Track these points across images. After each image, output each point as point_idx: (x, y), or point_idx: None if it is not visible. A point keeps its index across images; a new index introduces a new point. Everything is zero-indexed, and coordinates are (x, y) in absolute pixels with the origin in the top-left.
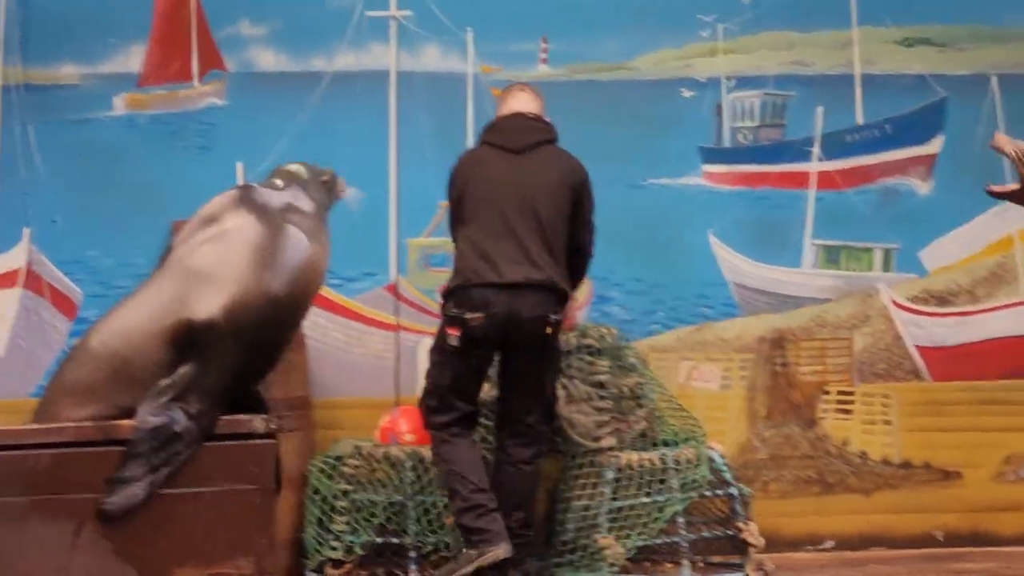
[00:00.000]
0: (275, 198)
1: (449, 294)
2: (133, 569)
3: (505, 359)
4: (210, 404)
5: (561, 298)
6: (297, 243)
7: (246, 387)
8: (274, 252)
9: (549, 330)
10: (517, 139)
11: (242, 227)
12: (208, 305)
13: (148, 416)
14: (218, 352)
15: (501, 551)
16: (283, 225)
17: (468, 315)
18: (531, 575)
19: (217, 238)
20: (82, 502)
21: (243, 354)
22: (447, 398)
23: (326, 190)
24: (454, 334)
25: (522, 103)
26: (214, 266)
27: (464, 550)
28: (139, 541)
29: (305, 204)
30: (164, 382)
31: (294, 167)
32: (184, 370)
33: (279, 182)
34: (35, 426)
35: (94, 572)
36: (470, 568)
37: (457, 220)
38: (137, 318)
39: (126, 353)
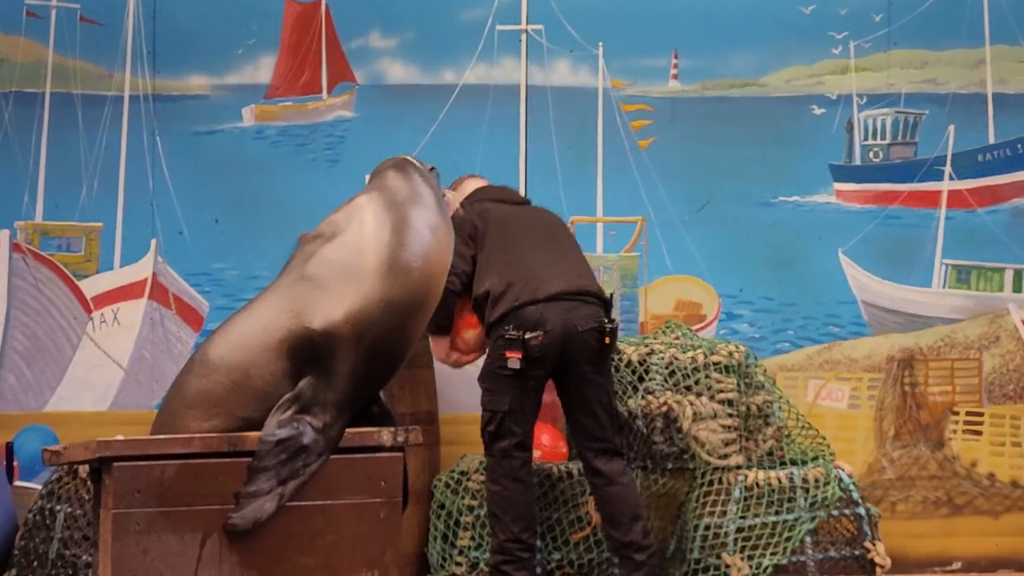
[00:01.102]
0: (391, 203)
1: (502, 322)
2: None
3: (564, 380)
4: (335, 415)
5: (608, 306)
6: (416, 249)
7: (369, 396)
8: (393, 259)
9: (607, 340)
10: (511, 195)
11: (359, 235)
12: (327, 313)
13: (276, 429)
14: (339, 361)
15: None
16: (401, 231)
17: (528, 335)
18: None
19: (334, 247)
20: (208, 513)
21: (364, 361)
22: (506, 424)
23: (435, 178)
24: (515, 356)
25: (484, 182)
26: (332, 275)
27: None
28: (265, 554)
29: (427, 203)
30: (288, 395)
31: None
32: (306, 382)
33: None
34: (162, 437)
35: None
36: None
37: (482, 258)
38: (254, 329)
39: (245, 365)
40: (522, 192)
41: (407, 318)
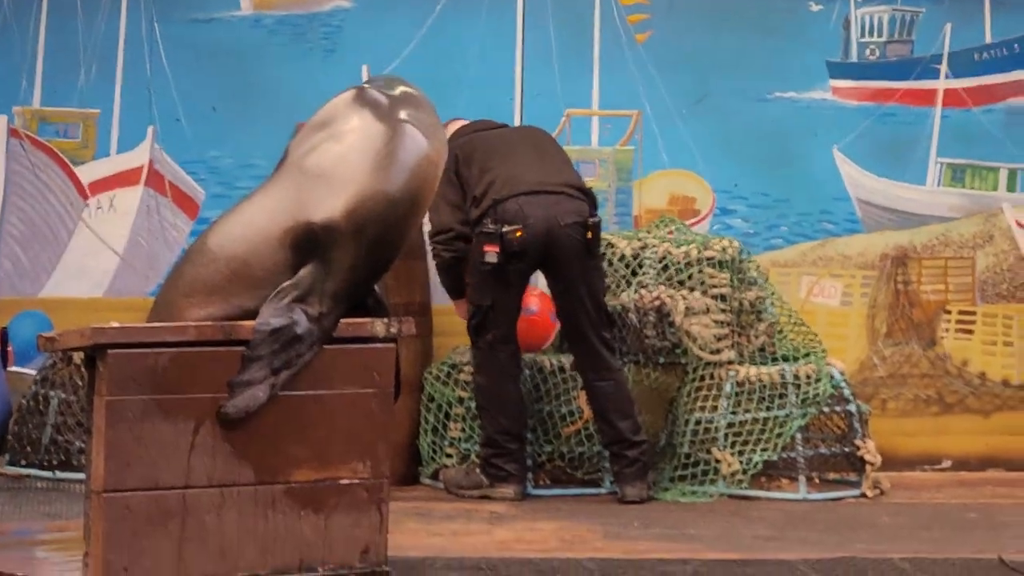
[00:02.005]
0: (390, 98)
1: (482, 217)
2: (250, 470)
3: (553, 276)
4: (331, 306)
5: (593, 201)
6: (414, 141)
7: (365, 288)
8: (392, 151)
9: (590, 235)
10: (491, 124)
11: (359, 128)
12: (329, 206)
13: (270, 318)
14: (339, 253)
15: (511, 492)
16: (400, 124)
17: (505, 229)
18: (650, 486)
19: (335, 139)
20: (202, 402)
21: (364, 254)
22: (489, 317)
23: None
24: (492, 251)
25: (464, 121)
26: (333, 167)
27: (480, 473)
28: (257, 442)
29: (421, 103)
30: (286, 284)
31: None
32: (306, 272)
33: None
34: (156, 324)
35: (212, 472)
36: (475, 494)
37: (468, 175)
38: (256, 219)
39: (245, 254)
40: (518, 84)
41: (406, 212)
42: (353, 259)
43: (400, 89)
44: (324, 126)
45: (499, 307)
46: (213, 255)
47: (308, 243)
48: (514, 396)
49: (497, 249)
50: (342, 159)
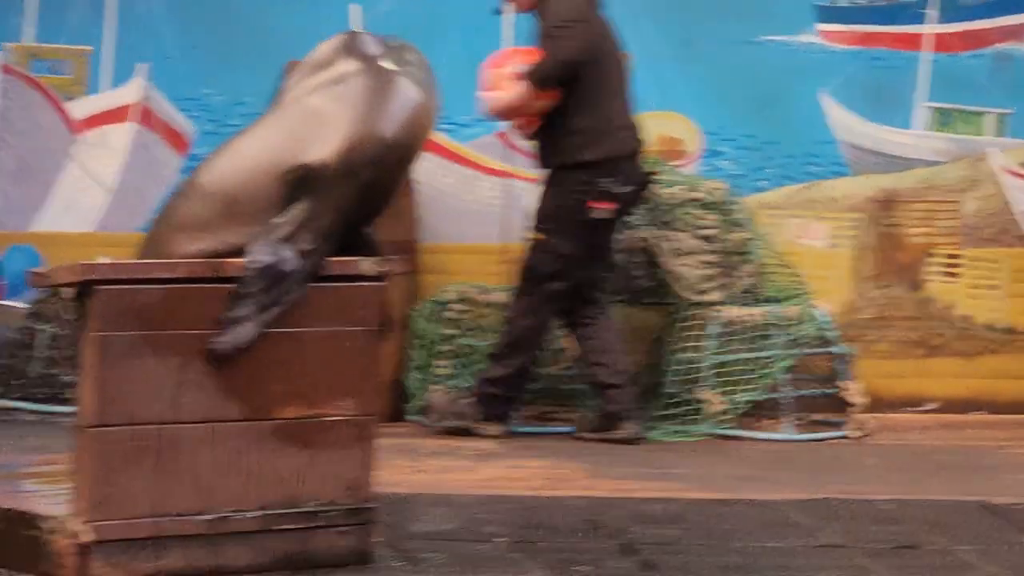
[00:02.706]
0: (384, 48)
1: (592, 165)
2: (238, 406)
3: None
4: (321, 244)
5: None
6: (407, 91)
7: (357, 231)
8: (385, 97)
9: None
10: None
11: (354, 72)
12: (322, 146)
13: (258, 255)
14: (331, 193)
15: (498, 432)
16: (393, 73)
17: (621, 190)
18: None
19: (330, 82)
20: (190, 338)
21: (355, 196)
22: (567, 268)
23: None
24: (608, 207)
25: None
26: (327, 109)
27: (470, 405)
28: (244, 379)
29: (413, 57)
30: (276, 220)
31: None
32: (296, 209)
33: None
34: (146, 261)
35: (200, 408)
36: (458, 424)
37: (587, 81)
38: (250, 156)
39: (238, 190)
40: (512, 27)
41: (399, 157)
42: (345, 200)
43: (397, 43)
44: (320, 67)
45: (582, 259)
46: (204, 190)
47: (300, 181)
48: (543, 347)
49: (614, 207)
50: (338, 100)
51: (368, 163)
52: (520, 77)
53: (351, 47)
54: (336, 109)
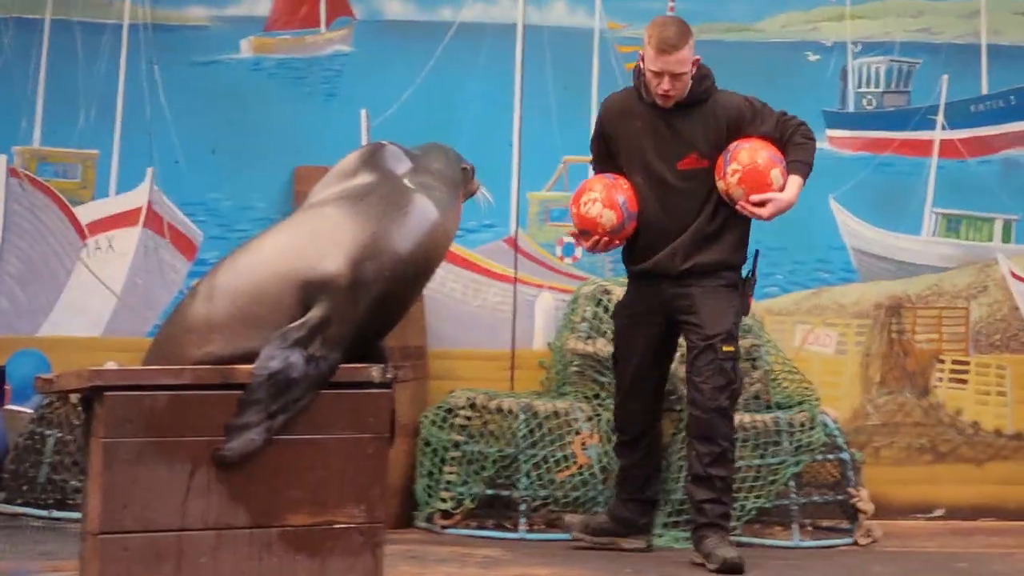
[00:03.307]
0: (407, 163)
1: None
2: (246, 513)
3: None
4: (330, 352)
5: None
6: (426, 208)
7: (369, 342)
8: (403, 212)
9: None
10: None
11: (374, 186)
12: (337, 257)
13: (268, 361)
14: (344, 303)
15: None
16: (411, 190)
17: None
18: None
19: (350, 193)
20: (198, 444)
21: (368, 307)
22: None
23: (463, 176)
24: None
25: None
26: (344, 220)
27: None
28: (253, 486)
29: (439, 176)
30: (289, 327)
31: (433, 146)
32: (309, 316)
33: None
34: (153, 367)
35: (208, 515)
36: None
37: None
38: (265, 261)
39: (253, 293)
40: (516, 130)
41: (414, 274)
42: (357, 311)
43: (427, 153)
44: (343, 177)
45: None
46: (220, 291)
47: (315, 289)
48: None
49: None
50: (356, 212)
51: (381, 277)
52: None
53: (375, 160)
54: (353, 221)
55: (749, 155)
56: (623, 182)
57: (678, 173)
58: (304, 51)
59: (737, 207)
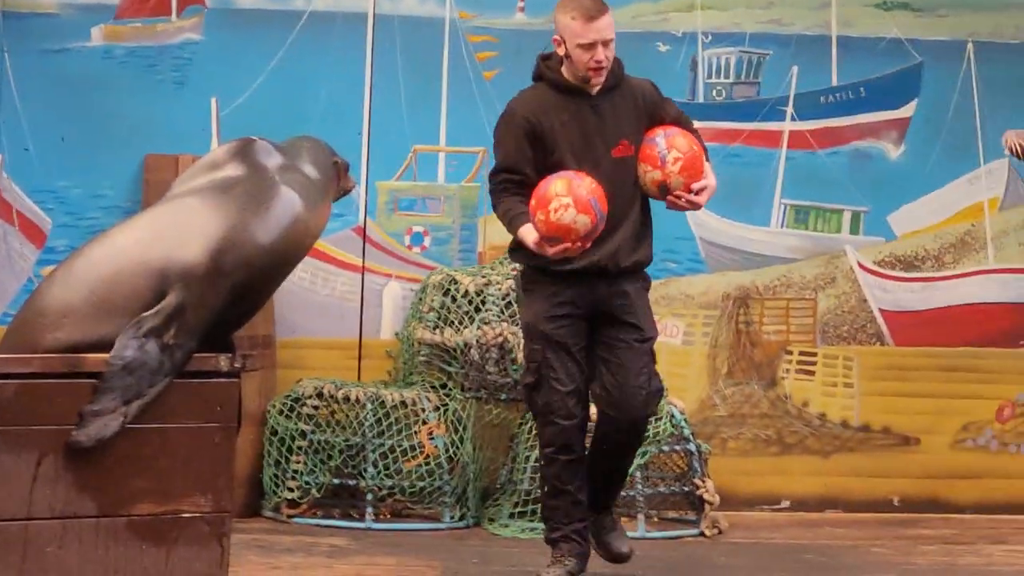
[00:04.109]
0: (277, 158)
1: None
2: (93, 503)
3: None
4: (186, 340)
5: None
6: (290, 202)
7: (223, 332)
8: (267, 205)
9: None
10: None
11: (239, 177)
12: (198, 244)
13: (124, 350)
14: (202, 291)
15: None
16: (279, 183)
17: None
18: None
19: (214, 184)
20: (45, 433)
21: (225, 296)
22: None
23: (334, 171)
24: None
25: None
26: (207, 209)
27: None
28: (99, 475)
29: (308, 171)
30: (144, 315)
31: (300, 141)
32: (165, 304)
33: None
34: (0, 356)
35: (54, 504)
36: None
37: None
38: (124, 248)
39: (109, 280)
40: (366, 119)
41: (274, 264)
42: (214, 299)
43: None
44: (210, 169)
45: None
46: (76, 278)
47: (172, 278)
48: None
49: None
50: (218, 202)
51: (240, 267)
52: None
53: (243, 153)
54: (215, 212)
55: (686, 142)
56: (587, 179)
57: (612, 162)
58: (155, 39)
59: (671, 197)
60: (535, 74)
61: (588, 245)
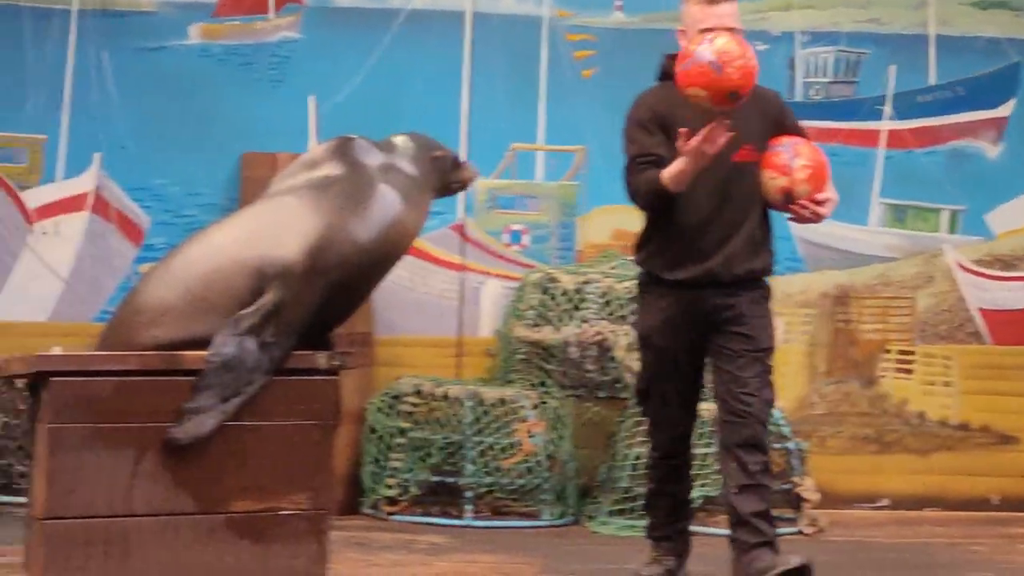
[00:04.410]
0: (376, 156)
1: None
2: (191, 500)
3: None
4: (284, 338)
5: None
6: (388, 202)
7: (321, 331)
8: (364, 204)
9: None
10: None
11: (337, 176)
12: (293, 244)
13: (222, 347)
14: (299, 289)
15: None
16: (377, 182)
17: None
18: None
19: (313, 183)
20: (144, 430)
21: (322, 295)
22: None
23: (436, 166)
24: None
25: None
26: (305, 208)
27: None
28: (198, 472)
29: (407, 169)
30: (242, 312)
31: (399, 138)
32: (264, 302)
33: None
34: (98, 353)
35: (153, 501)
36: None
37: None
38: (222, 247)
39: (210, 277)
40: (464, 117)
41: (373, 263)
42: (311, 297)
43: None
44: (309, 167)
45: None
46: (174, 276)
47: (270, 276)
48: None
49: None
50: (317, 201)
51: (337, 264)
52: None
53: (342, 152)
54: (313, 210)
55: (811, 151)
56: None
57: (733, 167)
58: (252, 37)
59: (794, 206)
60: (661, 72)
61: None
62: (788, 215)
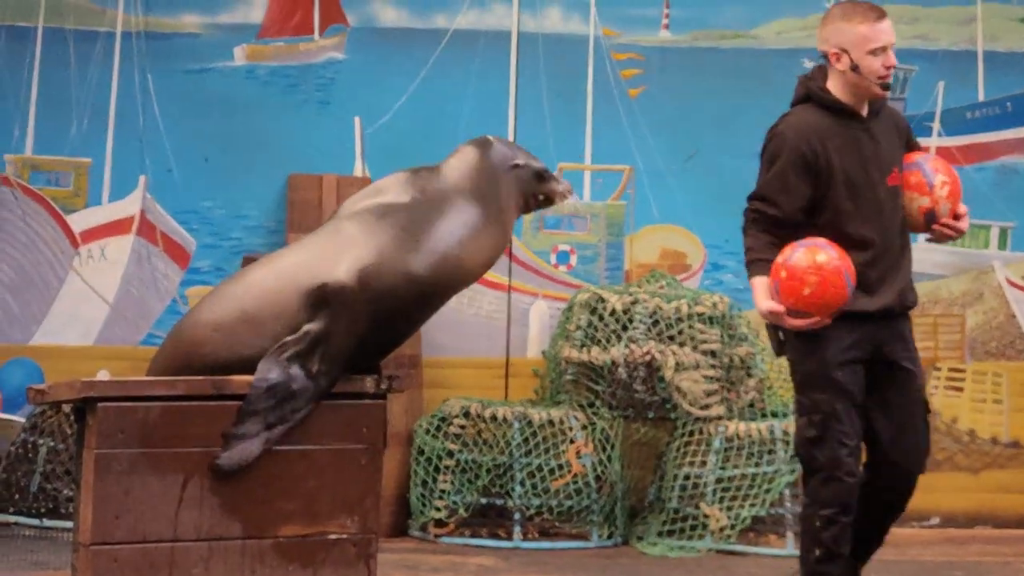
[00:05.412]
0: (443, 184)
1: None
2: (239, 524)
3: None
4: (330, 365)
5: None
6: (443, 236)
7: (372, 358)
8: (417, 236)
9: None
10: None
11: (398, 204)
12: (344, 268)
13: (268, 373)
14: (345, 315)
15: None
16: (436, 215)
17: None
18: None
19: (373, 210)
20: (190, 455)
21: (372, 323)
22: None
23: (516, 178)
24: None
25: None
26: (360, 234)
27: None
28: (246, 497)
29: (478, 192)
30: (289, 339)
31: (473, 153)
32: (310, 327)
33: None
34: (146, 379)
35: (200, 526)
36: None
37: None
38: (279, 270)
39: (264, 299)
40: (511, 137)
41: (424, 295)
42: (360, 325)
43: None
44: (375, 193)
45: None
46: (234, 294)
47: (319, 300)
48: None
49: None
50: (373, 228)
51: (385, 293)
52: None
53: (409, 180)
54: (366, 236)
55: (945, 167)
56: (832, 247)
57: (888, 191)
58: (297, 59)
59: (937, 226)
60: (798, 96)
61: (830, 321)
62: (928, 236)
